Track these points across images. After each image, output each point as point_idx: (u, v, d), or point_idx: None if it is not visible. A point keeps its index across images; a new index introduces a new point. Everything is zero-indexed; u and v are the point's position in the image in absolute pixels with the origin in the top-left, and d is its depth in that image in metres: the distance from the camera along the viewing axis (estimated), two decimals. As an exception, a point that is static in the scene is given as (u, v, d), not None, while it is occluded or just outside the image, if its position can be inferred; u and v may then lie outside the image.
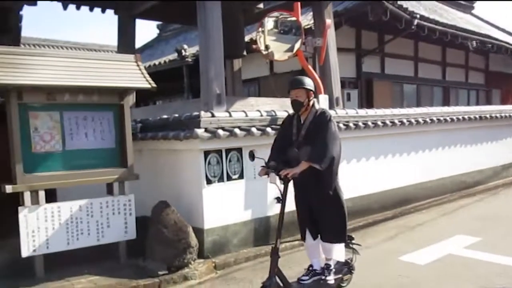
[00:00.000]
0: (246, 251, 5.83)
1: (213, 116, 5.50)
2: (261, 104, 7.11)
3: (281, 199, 3.90)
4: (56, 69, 4.76)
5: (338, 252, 4.24)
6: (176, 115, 5.83)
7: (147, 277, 4.90)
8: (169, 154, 5.90)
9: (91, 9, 8.04)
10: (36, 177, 4.79)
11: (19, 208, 4.73)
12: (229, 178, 5.78)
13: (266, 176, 4.03)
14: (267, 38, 6.69)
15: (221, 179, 5.69)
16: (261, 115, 6.08)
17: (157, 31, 19.00)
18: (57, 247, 4.98)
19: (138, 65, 5.28)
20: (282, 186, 3.88)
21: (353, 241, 4.52)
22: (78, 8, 7.87)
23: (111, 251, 5.43)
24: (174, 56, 12.68)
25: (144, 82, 5.16)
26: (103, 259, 5.36)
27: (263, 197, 6.08)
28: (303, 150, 3.96)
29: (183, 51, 11.86)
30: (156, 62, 13.51)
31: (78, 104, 5.03)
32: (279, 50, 6.75)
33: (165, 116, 6.07)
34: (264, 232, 6.11)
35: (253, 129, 5.74)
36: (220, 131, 5.41)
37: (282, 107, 6.62)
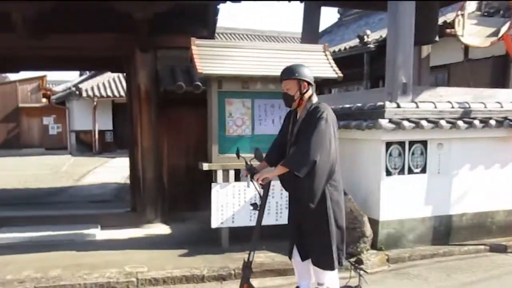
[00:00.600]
0: (423, 248, 5.58)
1: (398, 106, 5.28)
2: (451, 95, 6.47)
3: (258, 206, 3.42)
4: (251, 60, 5.14)
5: (330, 279, 3.46)
6: (359, 104, 5.72)
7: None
8: (349, 143, 5.84)
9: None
10: (228, 157, 5.29)
11: (212, 184, 5.31)
12: (410, 171, 5.54)
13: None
14: (466, 21, 6.00)
15: (401, 172, 5.50)
16: (452, 107, 5.60)
17: (337, 15, 18.84)
18: (241, 222, 5.45)
19: (326, 55, 5.33)
20: (262, 191, 3.40)
21: (360, 266, 3.73)
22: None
23: (285, 232, 5.69)
24: (355, 42, 12.42)
25: (331, 72, 5.21)
26: (278, 239, 5.66)
27: (446, 194, 5.70)
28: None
29: (365, 37, 11.51)
30: (336, 48, 13.43)
31: (267, 92, 5.34)
32: (480, 35, 6.00)
33: (346, 106, 6.02)
34: (444, 232, 5.74)
35: (442, 122, 5.34)
36: (405, 123, 5.18)
37: (476, 99, 5.95)
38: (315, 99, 3.39)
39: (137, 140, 6.34)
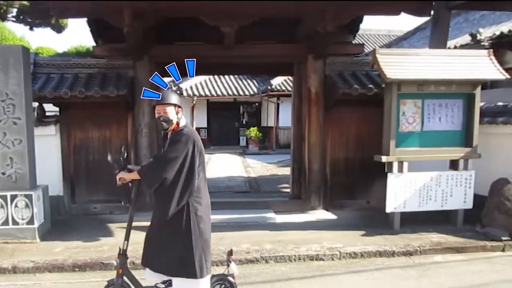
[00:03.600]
0: None
1: None
2: None
3: (128, 202, 3.61)
4: (425, 65, 5.86)
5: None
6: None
7: (490, 240, 5.65)
8: (507, 137, 6.37)
9: None
10: (401, 151, 6.07)
11: (389, 174, 6.10)
12: None
13: None
14: None
15: None
16: None
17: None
18: (411, 208, 6.21)
19: (490, 59, 5.92)
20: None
21: (230, 256, 3.68)
22: None
23: (449, 216, 6.38)
24: (464, 40, 12.65)
25: (498, 73, 5.77)
26: (442, 223, 6.36)
27: None
28: None
29: (477, 34, 11.76)
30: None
31: (436, 93, 6.03)
32: None
33: (500, 103, 6.54)
34: None
35: None
36: None
37: None
38: (183, 122, 3.47)
39: (304, 136, 7.26)
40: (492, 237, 5.70)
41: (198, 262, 3.30)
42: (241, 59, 7.31)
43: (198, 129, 22.28)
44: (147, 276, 3.53)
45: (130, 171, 3.49)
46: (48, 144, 6.91)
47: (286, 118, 21.06)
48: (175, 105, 3.39)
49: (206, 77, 21.42)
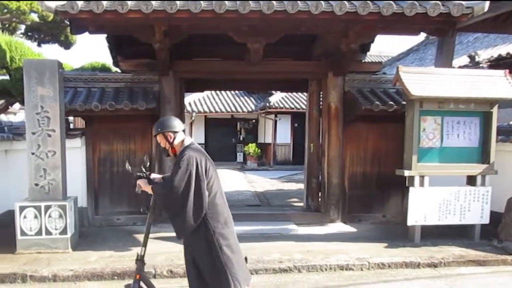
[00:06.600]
0: None
1: None
2: None
3: (147, 210, 3.78)
4: (446, 83, 6.17)
5: None
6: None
7: (509, 254, 5.89)
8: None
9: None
10: (422, 166, 6.33)
11: (410, 188, 6.35)
12: None
13: None
14: None
15: None
16: None
17: (424, 34, 19.54)
18: (431, 221, 6.44)
19: (507, 79, 6.27)
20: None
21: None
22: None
23: (466, 231, 6.63)
24: (462, 61, 13.15)
25: (513, 93, 6.12)
26: (459, 237, 6.60)
27: None
28: None
29: (476, 56, 12.27)
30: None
31: (454, 111, 6.34)
32: None
33: (506, 124, 6.90)
34: None
35: None
36: None
37: None
38: (188, 141, 3.54)
39: (324, 151, 7.49)
40: (511, 252, 5.96)
41: (231, 278, 3.32)
42: (263, 75, 7.56)
43: (195, 145, 22.38)
44: None
45: (150, 180, 3.60)
46: (74, 157, 6.99)
47: (283, 134, 21.41)
48: (161, 133, 3.51)
49: (205, 94, 21.67)
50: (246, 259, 3.64)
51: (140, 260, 3.74)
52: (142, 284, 3.74)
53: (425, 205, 6.38)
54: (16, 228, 5.78)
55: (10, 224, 6.14)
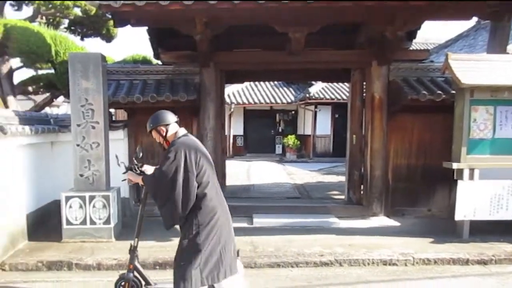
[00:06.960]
0: None
1: None
2: None
3: (139, 202, 3.84)
4: (498, 70, 5.80)
5: None
6: None
7: None
8: None
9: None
10: (472, 158, 6.01)
11: (459, 181, 6.05)
12: None
13: None
14: None
15: None
16: None
17: (475, 19, 18.62)
18: (481, 216, 6.12)
19: None
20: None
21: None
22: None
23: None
24: (516, 47, 12.40)
25: None
26: (509, 233, 6.24)
27: None
28: None
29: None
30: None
31: (509, 100, 5.95)
32: None
33: None
34: None
35: None
36: None
37: None
38: (181, 132, 3.49)
39: (367, 142, 7.27)
40: None
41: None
42: (304, 65, 7.40)
43: (235, 137, 22.54)
44: None
45: (141, 172, 3.59)
46: (116, 148, 7.08)
47: (323, 126, 21.10)
48: (154, 129, 3.51)
49: (243, 85, 21.65)
50: (238, 252, 3.53)
51: (133, 250, 3.87)
52: (135, 273, 3.90)
53: (475, 199, 6.07)
54: (62, 217, 5.97)
55: (56, 213, 6.34)
